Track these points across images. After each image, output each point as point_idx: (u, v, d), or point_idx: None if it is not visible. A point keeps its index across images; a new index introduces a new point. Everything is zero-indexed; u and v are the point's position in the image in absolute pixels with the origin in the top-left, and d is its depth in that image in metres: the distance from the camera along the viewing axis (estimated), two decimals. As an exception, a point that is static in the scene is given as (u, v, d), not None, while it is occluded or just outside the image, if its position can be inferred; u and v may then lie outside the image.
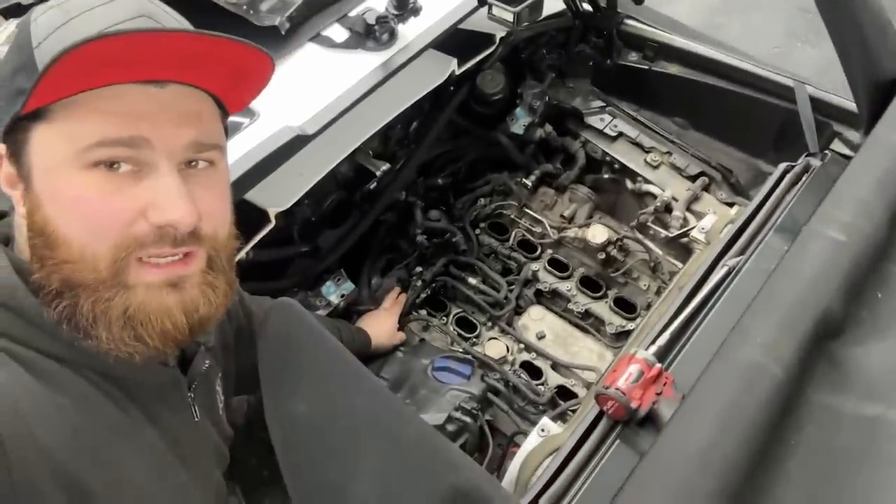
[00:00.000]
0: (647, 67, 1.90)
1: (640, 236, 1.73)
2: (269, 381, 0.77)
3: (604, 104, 1.93)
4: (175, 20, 0.64)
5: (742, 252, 1.32)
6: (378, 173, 1.68)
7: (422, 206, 1.73)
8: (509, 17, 0.96)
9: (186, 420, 0.75)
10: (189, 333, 0.64)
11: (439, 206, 1.81)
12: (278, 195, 1.45)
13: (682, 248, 1.71)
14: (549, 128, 1.85)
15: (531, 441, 1.28)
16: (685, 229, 1.63)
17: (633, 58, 1.92)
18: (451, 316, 1.73)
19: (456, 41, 1.75)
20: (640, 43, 1.90)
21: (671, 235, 1.65)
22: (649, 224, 1.70)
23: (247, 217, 1.48)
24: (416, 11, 1.22)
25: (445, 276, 1.75)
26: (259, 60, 0.63)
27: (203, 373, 0.78)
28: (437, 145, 1.88)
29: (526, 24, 0.98)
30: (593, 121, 1.90)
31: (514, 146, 1.86)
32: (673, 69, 1.89)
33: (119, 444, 0.64)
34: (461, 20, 1.35)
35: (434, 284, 1.76)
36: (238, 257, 1.44)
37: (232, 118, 1.17)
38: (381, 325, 1.56)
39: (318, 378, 0.76)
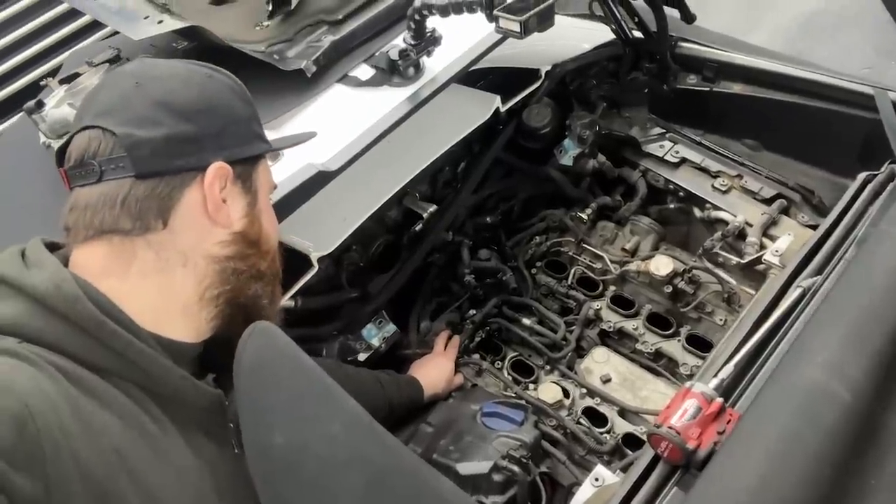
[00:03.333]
0: (708, 89, 1.79)
1: (709, 265, 1.57)
2: (246, 411, 0.71)
3: (664, 131, 1.83)
4: None
5: (819, 271, 1.16)
6: (425, 215, 1.65)
7: (469, 245, 1.67)
8: (516, 28, 0.92)
9: (226, 451, 0.75)
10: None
11: (490, 245, 1.75)
12: (321, 240, 1.44)
13: (758, 276, 1.54)
14: (602, 158, 1.75)
15: (584, 492, 1.16)
16: (758, 255, 1.47)
17: (691, 80, 1.81)
18: (507, 360, 1.63)
19: (500, 79, 1.73)
20: (697, 64, 1.79)
21: (742, 262, 1.49)
22: (718, 251, 1.54)
23: (290, 262, 1.48)
24: (435, 41, 1.20)
25: (499, 317, 1.66)
26: None
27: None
28: (488, 185, 1.83)
29: (535, 32, 0.92)
30: (652, 148, 1.79)
31: (567, 180, 1.77)
32: (737, 88, 1.77)
33: (158, 465, 0.65)
34: (489, 50, 1.32)
35: (487, 327, 1.67)
36: (284, 302, 1.45)
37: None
38: (436, 371, 1.49)
39: (294, 406, 0.71)
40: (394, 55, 1.23)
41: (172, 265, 0.72)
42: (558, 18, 1.96)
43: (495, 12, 0.92)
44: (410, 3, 1.25)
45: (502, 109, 1.68)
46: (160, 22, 1.20)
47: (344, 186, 1.34)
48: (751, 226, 1.62)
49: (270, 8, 1.29)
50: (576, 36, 1.90)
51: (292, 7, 1.30)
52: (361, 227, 1.46)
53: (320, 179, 1.17)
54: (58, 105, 1.27)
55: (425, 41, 1.19)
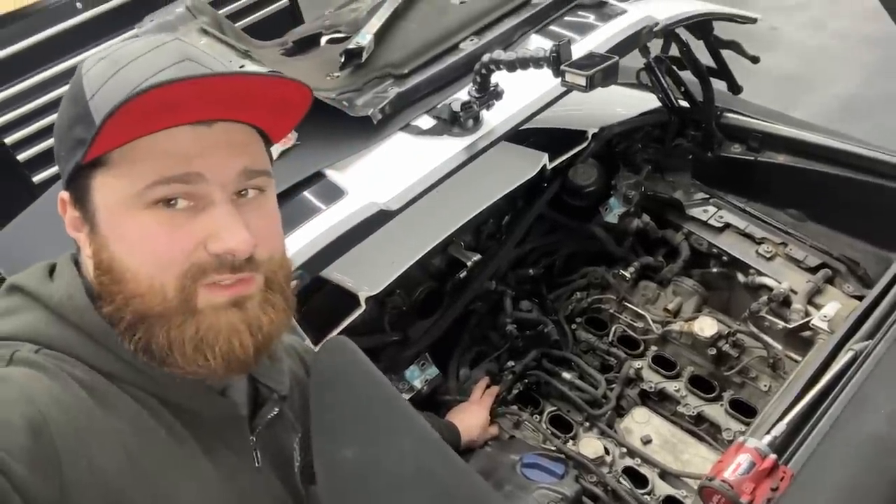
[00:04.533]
0: (752, 158, 1.83)
1: (754, 329, 1.57)
2: (318, 422, 0.73)
3: (708, 196, 1.86)
4: (218, 62, 0.67)
5: (870, 336, 1.16)
6: (469, 264, 1.68)
7: (512, 295, 1.70)
8: (582, 82, 0.97)
9: (246, 463, 0.73)
10: (254, 352, 0.65)
11: (531, 298, 1.77)
12: (369, 280, 1.48)
13: (804, 343, 1.53)
14: (646, 218, 1.79)
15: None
16: (805, 320, 1.46)
17: (736, 149, 1.86)
18: (545, 414, 1.63)
19: (548, 138, 1.79)
20: (742, 134, 1.84)
21: (790, 327, 1.49)
22: (764, 315, 1.54)
23: (338, 301, 1.52)
24: (497, 95, 1.26)
25: (538, 370, 1.67)
26: (299, 92, 0.66)
27: (270, 420, 0.76)
28: (531, 239, 1.87)
29: (600, 87, 0.97)
30: (696, 212, 1.82)
31: (610, 238, 1.81)
32: (781, 159, 1.80)
33: (174, 475, 0.64)
34: (543, 108, 1.38)
35: (526, 380, 1.67)
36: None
37: (326, 191, 1.25)
38: (472, 418, 1.49)
39: (366, 421, 0.72)
40: (455, 107, 1.29)
41: None
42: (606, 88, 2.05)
43: (562, 67, 0.97)
44: (477, 59, 1.32)
45: (549, 167, 1.74)
46: (242, 66, 1.29)
47: (392, 231, 1.38)
48: (795, 293, 1.62)
49: (343, 60, 1.38)
50: (622, 103, 1.97)
51: (362, 60, 1.38)
52: (406, 272, 1.50)
53: (381, 218, 1.21)
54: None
55: (488, 94, 1.25)
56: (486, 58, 1.16)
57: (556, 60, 1.00)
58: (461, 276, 1.69)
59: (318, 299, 1.49)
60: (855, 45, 3.68)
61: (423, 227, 1.58)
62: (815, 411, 1.05)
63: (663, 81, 1.83)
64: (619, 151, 1.88)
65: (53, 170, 2.83)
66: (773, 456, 1.00)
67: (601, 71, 0.95)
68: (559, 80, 1.06)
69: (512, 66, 1.11)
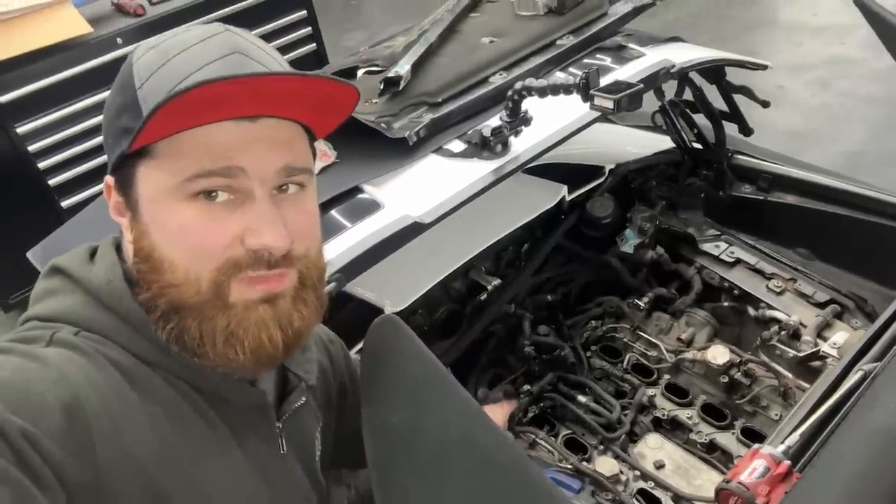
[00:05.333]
0: (762, 198, 1.91)
1: (765, 359, 1.62)
2: (367, 391, 0.79)
3: (719, 233, 1.93)
4: (267, 54, 0.65)
5: (879, 358, 1.21)
6: (489, 287, 1.75)
7: (531, 318, 1.75)
8: (610, 105, 1.05)
9: (272, 450, 0.75)
10: (283, 348, 0.66)
11: (548, 324, 1.82)
12: (394, 297, 1.55)
13: (814, 373, 1.58)
14: (661, 250, 1.86)
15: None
16: (816, 349, 1.51)
17: (746, 189, 1.94)
18: (560, 436, 1.66)
19: (566, 173, 1.89)
20: (752, 175, 1.93)
21: (800, 355, 1.53)
22: (775, 343, 1.60)
23: (364, 315, 1.58)
24: (527, 121, 1.36)
25: (554, 393, 1.71)
26: (346, 92, 0.67)
27: (297, 408, 0.78)
28: (548, 268, 1.94)
29: (626, 112, 1.06)
30: (708, 247, 1.89)
31: (625, 269, 1.87)
32: (790, 199, 1.88)
33: (206, 461, 0.65)
34: (568, 136, 1.47)
35: (542, 402, 1.71)
36: (352, 354, 1.53)
37: (363, 204, 1.33)
38: None
39: (413, 391, 0.78)
40: (486, 132, 1.38)
41: None
42: (620, 128, 2.16)
43: (591, 92, 1.06)
44: (505, 91, 1.42)
45: (567, 199, 1.82)
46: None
47: (416, 253, 1.45)
48: (805, 326, 1.67)
49: (382, 87, 1.48)
50: (635, 143, 2.08)
51: (400, 88, 1.48)
52: (428, 293, 1.57)
53: (414, 230, 1.29)
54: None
55: (518, 120, 1.34)
56: (518, 85, 1.26)
57: (586, 86, 1.09)
58: (481, 298, 1.76)
59: (345, 313, 1.56)
60: (858, 104, 3.82)
61: (446, 250, 1.66)
62: (828, 424, 1.09)
63: (677, 123, 1.93)
64: (635, 187, 1.97)
65: (81, 196, 2.95)
66: (787, 462, 1.04)
67: (628, 96, 1.03)
68: (587, 105, 1.15)
69: (543, 91, 1.20)
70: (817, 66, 4.26)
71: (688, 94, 1.90)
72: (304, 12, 3.58)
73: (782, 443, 1.07)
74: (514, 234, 1.81)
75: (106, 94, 0.67)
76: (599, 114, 1.47)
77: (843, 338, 1.46)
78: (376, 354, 0.80)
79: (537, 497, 0.73)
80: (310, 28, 3.62)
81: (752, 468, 1.03)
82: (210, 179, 0.61)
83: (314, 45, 3.68)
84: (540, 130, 1.45)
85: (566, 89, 1.14)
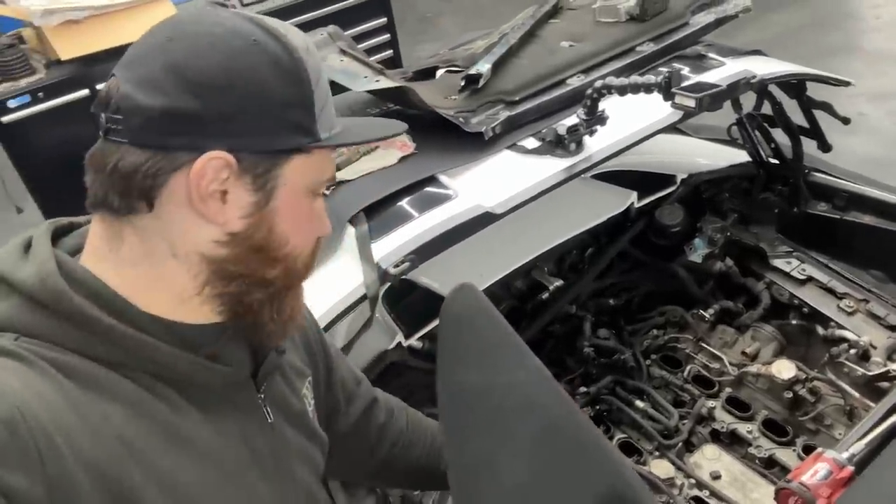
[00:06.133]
0: (838, 217, 1.87)
1: (832, 377, 1.59)
2: (444, 351, 0.84)
3: (791, 250, 1.90)
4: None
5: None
6: (551, 287, 1.78)
7: (592, 320, 1.77)
8: (692, 104, 1.07)
9: (257, 421, 0.74)
10: None
11: (609, 328, 1.83)
12: (460, 287, 1.60)
13: (880, 394, 1.53)
14: (730, 262, 1.84)
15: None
16: (886, 368, 1.48)
17: (822, 207, 1.90)
18: (615, 440, 1.66)
19: (636, 180, 1.90)
20: (829, 193, 1.89)
21: (869, 374, 1.50)
22: (843, 360, 1.56)
23: (429, 303, 1.63)
24: (602, 120, 1.38)
25: (611, 396, 1.72)
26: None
27: (273, 374, 0.78)
28: (611, 274, 1.95)
29: (707, 111, 1.08)
30: (779, 263, 1.87)
31: (691, 279, 1.87)
32: (867, 220, 1.84)
33: (172, 449, 0.63)
34: (642, 140, 1.49)
35: (598, 405, 1.72)
36: (412, 341, 1.58)
37: (439, 192, 1.39)
38: None
39: (487, 353, 0.82)
40: (561, 130, 1.42)
41: (161, 255, 0.64)
42: (692, 140, 2.15)
43: (673, 90, 1.08)
44: (581, 94, 1.46)
45: (637, 205, 1.84)
46: (378, 80, 1.46)
47: (482, 248, 1.49)
48: (875, 348, 1.63)
49: (463, 84, 1.54)
50: (708, 155, 2.07)
51: (479, 86, 1.54)
52: (490, 289, 1.60)
53: (486, 219, 1.33)
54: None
55: (595, 119, 1.37)
56: (598, 83, 1.29)
57: (668, 85, 1.11)
58: (542, 297, 1.78)
59: (412, 300, 1.61)
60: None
61: (511, 248, 1.70)
62: (892, 438, 1.08)
63: (754, 137, 1.92)
64: (707, 198, 1.96)
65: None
66: (850, 468, 1.03)
67: (710, 96, 1.05)
68: (664, 109, 1.17)
69: (623, 90, 1.23)
70: (898, 94, 4.11)
71: (765, 109, 1.89)
72: (385, 19, 3.71)
73: (847, 450, 1.07)
74: (579, 238, 1.83)
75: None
76: (675, 119, 1.50)
77: (917, 359, 1.42)
78: (454, 318, 0.85)
79: (602, 464, 0.76)
80: (389, 35, 3.75)
81: (815, 470, 1.03)
82: (326, 186, 0.72)
83: (391, 51, 3.80)
84: (614, 132, 1.48)
85: (647, 88, 1.16)
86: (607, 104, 1.41)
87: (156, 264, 0.64)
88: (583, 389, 1.74)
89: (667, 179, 1.92)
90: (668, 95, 1.10)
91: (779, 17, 4.98)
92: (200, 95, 0.60)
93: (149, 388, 0.63)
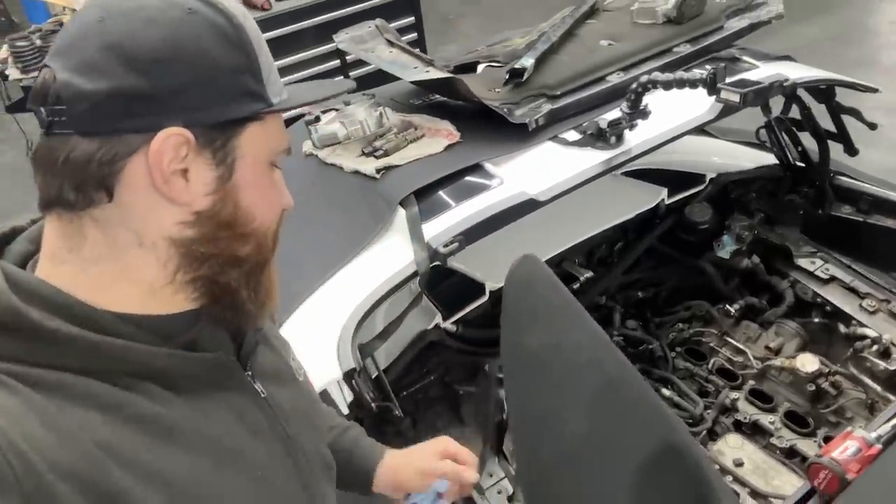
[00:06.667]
0: (862, 220, 1.92)
1: (854, 371, 1.64)
2: (508, 315, 0.90)
3: (815, 250, 1.96)
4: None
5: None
6: (581, 279, 1.84)
7: (621, 311, 1.83)
8: (736, 99, 1.13)
9: (250, 398, 0.73)
10: None
11: (636, 319, 1.89)
12: (494, 274, 1.67)
13: (903, 390, 1.59)
14: (756, 259, 1.90)
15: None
16: (908, 364, 1.53)
17: (846, 210, 1.96)
18: (641, 426, 1.72)
19: (665, 178, 1.96)
20: (853, 196, 1.95)
21: (891, 368, 1.55)
22: (866, 355, 1.62)
23: (467, 288, 1.69)
24: (644, 115, 1.45)
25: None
26: None
27: (256, 349, 0.76)
28: (639, 270, 2.01)
29: (750, 106, 1.14)
30: (803, 262, 1.92)
31: (718, 275, 1.92)
32: (890, 223, 1.89)
33: (158, 444, 0.61)
34: (681, 136, 1.55)
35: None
36: (447, 324, 1.65)
37: (485, 179, 1.45)
38: (411, 468, 1.00)
39: (549, 318, 0.88)
40: (603, 124, 1.48)
41: (125, 246, 0.61)
42: (720, 142, 2.21)
43: (719, 86, 1.14)
44: (621, 90, 1.52)
45: (667, 201, 1.90)
46: (427, 71, 1.53)
47: (516, 238, 1.55)
48: (895, 346, 1.69)
49: (507, 77, 1.61)
50: (736, 157, 2.12)
51: (523, 79, 1.61)
52: None
53: (530, 206, 1.39)
54: (329, 122, 1.61)
55: (637, 113, 1.43)
56: (643, 77, 1.35)
57: (713, 81, 1.17)
58: (574, 287, 1.84)
59: (450, 284, 1.68)
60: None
61: (545, 239, 1.76)
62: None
63: (781, 139, 1.98)
64: (734, 198, 2.02)
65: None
66: (879, 446, 1.09)
67: (754, 91, 1.11)
68: (704, 105, 1.23)
69: (668, 85, 1.29)
70: (919, 108, 4.15)
71: (793, 113, 1.94)
72: (412, 18, 3.79)
73: (876, 430, 1.12)
74: (608, 233, 1.89)
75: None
76: (709, 117, 1.56)
77: (939, 354, 1.48)
78: (518, 285, 0.91)
79: (657, 418, 0.82)
80: (416, 34, 3.82)
81: (845, 447, 1.09)
82: (283, 155, 0.69)
83: (418, 50, 3.87)
84: (651, 128, 1.54)
85: (692, 83, 1.22)
86: (645, 101, 1.47)
87: (122, 257, 0.61)
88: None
89: (696, 178, 1.98)
90: (713, 90, 1.16)
91: (802, 29, 5.03)
92: (146, 72, 0.57)
93: (127, 387, 0.60)
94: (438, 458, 0.96)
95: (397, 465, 0.98)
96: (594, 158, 1.50)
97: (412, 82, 1.66)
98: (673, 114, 1.57)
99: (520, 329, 0.90)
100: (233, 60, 0.61)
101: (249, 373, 0.73)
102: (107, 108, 0.57)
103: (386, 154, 1.52)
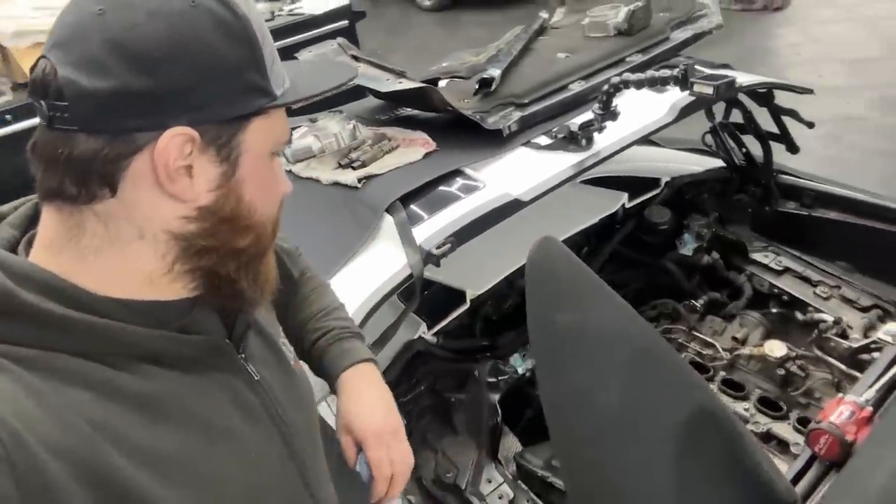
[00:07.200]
0: (806, 214, 2.05)
1: (819, 353, 1.73)
2: (533, 297, 0.90)
3: (766, 245, 2.07)
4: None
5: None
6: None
7: (597, 312, 1.87)
8: (710, 91, 1.20)
9: (243, 380, 0.72)
10: None
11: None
12: (471, 282, 1.68)
13: (864, 366, 1.68)
14: (716, 255, 1.99)
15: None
16: (870, 339, 1.63)
17: (791, 206, 2.08)
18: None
19: (626, 183, 2.04)
20: (797, 193, 2.08)
21: (854, 346, 1.65)
22: (829, 336, 1.71)
23: (448, 298, 1.69)
24: (614, 115, 1.51)
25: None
26: None
27: (247, 332, 0.76)
28: (604, 274, 2.06)
29: (724, 99, 1.20)
30: (758, 256, 2.03)
31: (681, 273, 2.00)
32: (832, 215, 2.02)
33: (150, 423, 0.61)
34: (642, 139, 1.62)
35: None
36: (429, 336, 1.64)
37: (467, 183, 1.47)
38: (372, 407, 0.96)
39: (575, 294, 0.89)
40: (574, 127, 1.53)
41: (126, 238, 0.61)
42: (670, 151, 2.32)
43: (692, 80, 1.21)
44: (583, 98, 1.58)
45: (627, 205, 1.97)
46: (400, 82, 1.54)
47: (486, 248, 1.57)
48: (851, 328, 1.79)
49: (477, 87, 1.65)
50: (685, 162, 2.23)
51: (492, 89, 1.64)
52: (495, 288, 1.69)
53: (514, 206, 1.42)
54: (302, 137, 1.59)
55: (608, 114, 1.49)
56: (615, 79, 1.41)
57: (685, 77, 1.24)
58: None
59: (431, 295, 1.67)
60: (869, 157, 4.03)
61: (514, 248, 1.78)
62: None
63: (726, 143, 2.10)
64: (689, 199, 2.12)
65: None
66: (870, 408, 1.15)
67: (725, 84, 1.18)
68: (663, 108, 1.29)
69: (640, 84, 1.35)
70: (827, 121, 4.49)
71: (734, 118, 2.07)
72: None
73: (862, 395, 1.19)
74: (574, 239, 1.94)
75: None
76: (669, 119, 1.64)
77: (894, 328, 1.58)
78: (540, 267, 0.92)
79: (690, 385, 0.84)
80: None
81: (839, 412, 1.14)
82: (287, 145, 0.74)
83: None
84: (617, 131, 1.60)
85: (663, 80, 1.29)
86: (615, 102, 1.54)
87: (121, 249, 0.61)
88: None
89: (651, 183, 2.06)
90: (686, 86, 1.23)
91: (709, 52, 5.38)
92: (150, 71, 0.57)
93: (121, 368, 0.61)
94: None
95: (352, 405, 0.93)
96: (567, 160, 1.54)
97: (384, 95, 1.67)
98: (634, 117, 1.64)
99: (547, 309, 0.90)
100: (237, 56, 0.61)
101: (242, 356, 0.73)
102: (111, 108, 0.57)
103: (363, 165, 1.52)
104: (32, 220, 0.66)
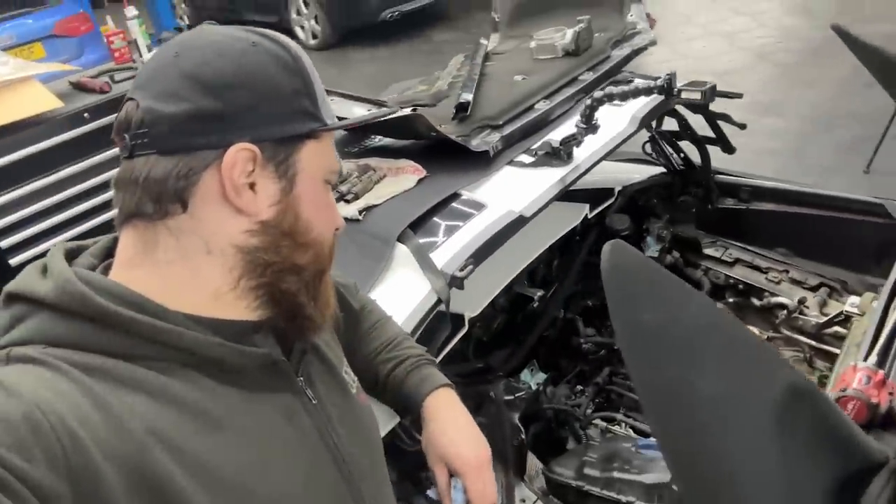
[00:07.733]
0: (744, 208, 2.23)
1: (788, 333, 1.87)
2: (615, 300, 0.92)
3: (714, 240, 2.22)
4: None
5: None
6: (535, 298, 1.91)
7: (581, 320, 1.92)
8: (698, 96, 1.29)
9: (300, 403, 0.75)
10: None
11: (591, 327, 2.00)
12: (468, 304, 1.68)
13: (831, 341, 1.84)
14: (677, 254, 2.11)
15: None
16: (838, 311, 1.78)
17: (730, 202, 2.26)
18: (624, 426, 1.80)
19: (583, 196, 2.12)
20: (734, 190, 2.25)
21: (822, 321, 1.80)
22: (798, 315, 1.85)
23: (438, 325, 1.68)
24: (595, 129, 1.58)
25: (612, 385, 1.86)
26: None
27: (307, 357, 0.79)
28: (577, 284, 2.13)
29: (711, 102, 1.30)
30: (710, 251, 2.17)
31: (648, 275, 2.10)
32: (768, 207, 2.21)
33: (206, 434, 0.64)
34: (615, 148, 1.70)
35: (597, 399, 1.85)
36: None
37: (468, 205, 1.47)
38: (466, 438, 0.98)
39: (657, 293, 0.92)
40: (555, 143, 1.59)
41: (195, 252, 0.67)
42: (614, 164, 2.44)
43: (679, 88, 1.30)
44: (546, 118, 1.65)
45: (590, 216, 2.05)
46: (381, 110, 1.53)
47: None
48: (807, 307, 1.96)
49: (455, 112, 1.67)
50: (632, 172, 2.36)
51: (468, 113, 1.67)
52: (485, 311, 1.70)
53: (519, 222, 1.44)
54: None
55: (590, 127, 1.56)
56: (598, 93, 1.48)
57: (669, 86, 1.33)
58: (533, 306, 1.90)
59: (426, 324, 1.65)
60: (760, 157, 4.44)
61: (495, 270, 1.81)
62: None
63: (665, 150, 2.24)
64: (642, 205, 2.24)
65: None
66: (882, 371, 1.26)
67: (710, 89, 1.28)
68: (630, 120, 1.37)
69: (624, 96, 1.43)
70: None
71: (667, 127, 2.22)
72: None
73: (865, 360, 1.30)
74: (544, 254, 1.99)
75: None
76: (632, 130, 1.74)
77: (856, 300, 1.74)
78: (616, 272, 0.94)
79: (778, 366, 0.89)
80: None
81: (858, 378, 1.24)
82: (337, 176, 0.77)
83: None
84: (591, 145, 1.68)
85: (647, 91, 1.37)
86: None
87: (191, 262, 0.67)
88: (579, 388, 1.86)
89: (606, 193, 2.16)
90: (671, 94, 1.31)
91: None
92: (220, 95, 0.65)
93: (180, 377, 0.64)
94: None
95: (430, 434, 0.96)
96: (553, 175, 1.59)
97: (369, 125, 1.65)
98: (602, 131, 1.72)
99: (632, 310, 0.92)
100: (292, 84, 0.69)
101: (301, 378, 0.76)
102: (184, 128, 0.65)
103: (357, 197, 1.49)
104: (110, 252, 0.71)
